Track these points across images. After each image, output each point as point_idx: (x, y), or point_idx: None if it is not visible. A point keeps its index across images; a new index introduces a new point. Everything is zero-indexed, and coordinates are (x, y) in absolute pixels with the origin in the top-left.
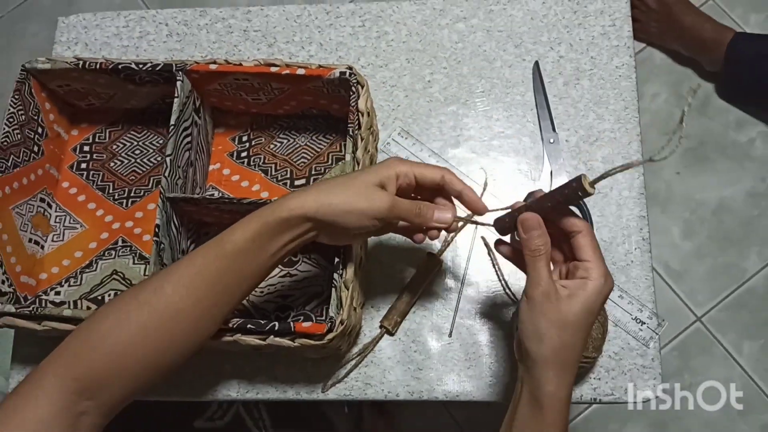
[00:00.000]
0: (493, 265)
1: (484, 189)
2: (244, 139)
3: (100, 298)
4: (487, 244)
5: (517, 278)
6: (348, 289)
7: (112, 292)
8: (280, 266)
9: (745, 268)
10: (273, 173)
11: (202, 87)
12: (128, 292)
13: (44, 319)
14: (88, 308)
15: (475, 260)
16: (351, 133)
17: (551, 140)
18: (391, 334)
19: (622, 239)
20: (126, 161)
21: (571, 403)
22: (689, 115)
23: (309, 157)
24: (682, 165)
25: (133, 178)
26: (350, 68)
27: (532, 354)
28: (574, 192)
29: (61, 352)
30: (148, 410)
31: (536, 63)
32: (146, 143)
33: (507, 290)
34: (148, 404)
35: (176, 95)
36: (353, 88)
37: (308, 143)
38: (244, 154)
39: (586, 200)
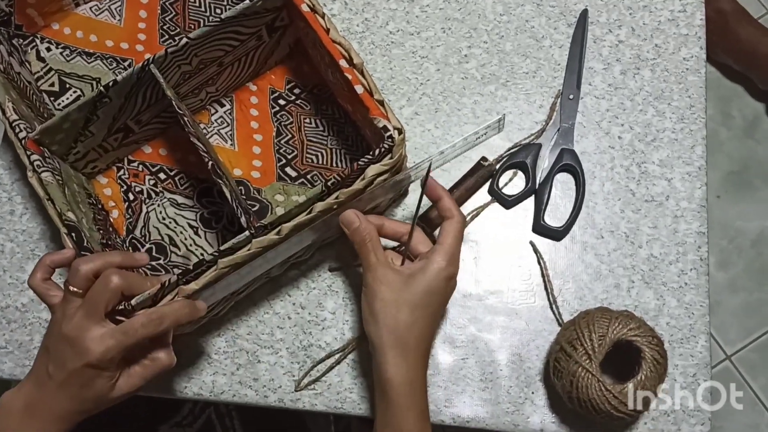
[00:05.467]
0: (543, 276)
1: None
2: (297, 91)
3: (67, 86)
4: (536, 250)
5: (564, 299)
6: None
7: (77, 91)
8: None
9: None
10: (282, 141)
11: (300, 20)
12: None
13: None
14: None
15: (501, 264)
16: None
17: (570, 96)
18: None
19: (675, 257)
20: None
21: None
22: (735, 137)
23: (317, 162)
24: (722, 189)
25: (191, 26)
26: (399, 130)
27: (371, 338)
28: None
29: None
30: (106, 417)
31: (585, 10)
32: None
33: (553, 307)
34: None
35: None
36: (385, 144)
37: (333, 147)
38: (281, 102)
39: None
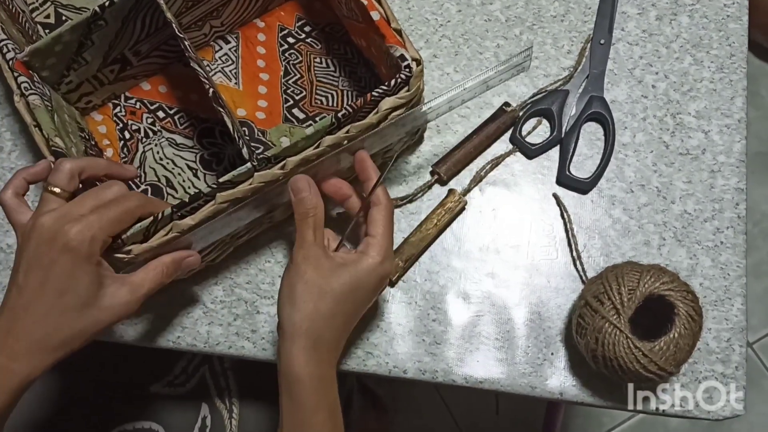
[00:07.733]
0: (567, 231)
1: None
2: (308, 29)
3: (64, 18)
4: (560, 203)
5: (590, 255)
6: None
7: None
8: None
9: None
10: (290, 81)
11: None
12: None
13: None
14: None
15: (522, 216)
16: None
17: (601, 41)
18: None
19: (711, 214)
20: None
21: (617, 408)
22: (763, 117)
23: (327, 103)
24: (749, 170)
25: None
26: (417, 61)
27: (282, 322)
28: None
29: None
30: (98, 375)
31: None
32: None
33: (577, 263)
34: (97, 368)
35: None
36: (402, 75)
37: (344, 88)
38: (291, 40)
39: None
